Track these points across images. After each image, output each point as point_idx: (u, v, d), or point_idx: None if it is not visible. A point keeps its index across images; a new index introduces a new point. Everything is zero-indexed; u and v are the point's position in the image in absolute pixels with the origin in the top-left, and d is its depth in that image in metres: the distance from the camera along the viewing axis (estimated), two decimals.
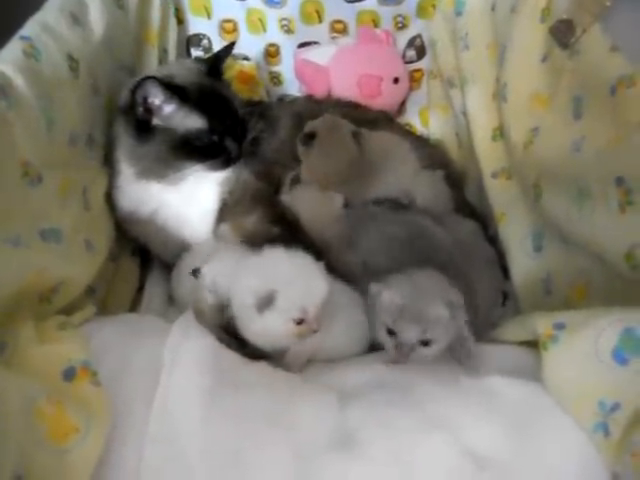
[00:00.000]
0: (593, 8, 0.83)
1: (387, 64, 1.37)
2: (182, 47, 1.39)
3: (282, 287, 0.76)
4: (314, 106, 1.24)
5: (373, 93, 1.35)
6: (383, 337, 0.77)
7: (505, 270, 1.01)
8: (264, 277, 0.77)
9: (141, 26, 1.19)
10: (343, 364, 0.81)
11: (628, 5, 0.82)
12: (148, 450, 0.60)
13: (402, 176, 1.09)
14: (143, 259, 1.15)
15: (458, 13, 1.19)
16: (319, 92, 1.36)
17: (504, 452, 0.61)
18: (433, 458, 0.61)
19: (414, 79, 1.44)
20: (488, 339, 0.82)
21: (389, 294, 0.76)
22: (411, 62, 1.43)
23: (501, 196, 1.06)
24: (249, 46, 1.39)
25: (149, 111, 0.92)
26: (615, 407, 0.58)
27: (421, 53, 1.42)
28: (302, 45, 1.40)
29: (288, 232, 0.99)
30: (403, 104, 1.46)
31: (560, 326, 0.67)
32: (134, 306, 1.05)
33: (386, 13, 1.36)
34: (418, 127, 1.44)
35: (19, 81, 0.75)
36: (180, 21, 1.36)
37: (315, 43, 1.39)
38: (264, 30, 1.38)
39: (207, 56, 1.26)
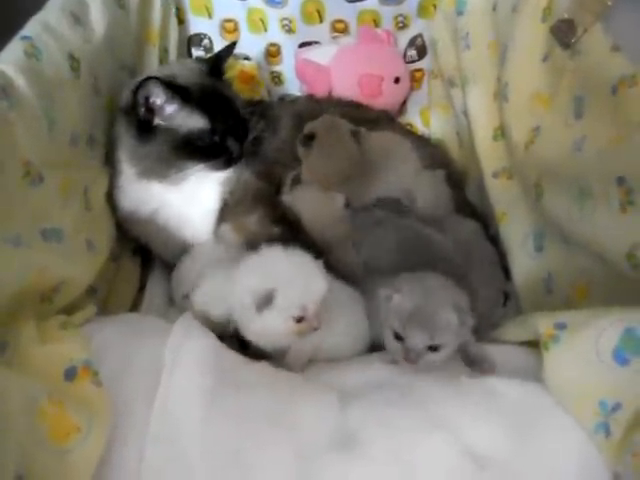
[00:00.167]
0: (594, 7, 0.82)
1: (388, 64, 1.37)
2: (183, 47, 1.39)
3: (281, 286, 0.76)
4: (315, 106, 1.24)
5: (374, 93, 1.35)
6: (390, 342, 0.76)
7: (506, 270, 1.01)
8: (262, 276, 0.77)
9: (142, 26, 1.19)
10: (344, 364, 0.81)
11: (629, 5, 0.82)
12: (149, 450, 0.60)
13: (403, 175, 1.09)
14: (144, 259, 1.15)
15: (459, 13, 1.19)
16: (320, 92, 1.36)
17: (504, 452, 0.61)
18: (433, 458, 0.61)
19: (415, 79, 1.44)
20: (489, 339, 0.82)
21: (399, 298, 0.76)
22: (412, 62, 1.43)
23: (502, 196, 1.06)
24: (250, 46, 1.39)
25: (151, 111, 0.92)
26: (616, 407, 0.58)
27: (422, 53, 1.42)
28: (303, 45, 1.40)
29: (289, 232, 1.00)
30: (404, 104, 1.46)
31: (561, 326, 0.67)
32: (135, 306, 1.05)
33: (387, 13, 1.36)
34: (419, 127, 1.44)
35: (20, 81, 0.75)
36: (181, 21, 1.36)
37: (316, 43, 1.39)
38: (265, 30, 1.38)
39: (208, 56, 1.26)
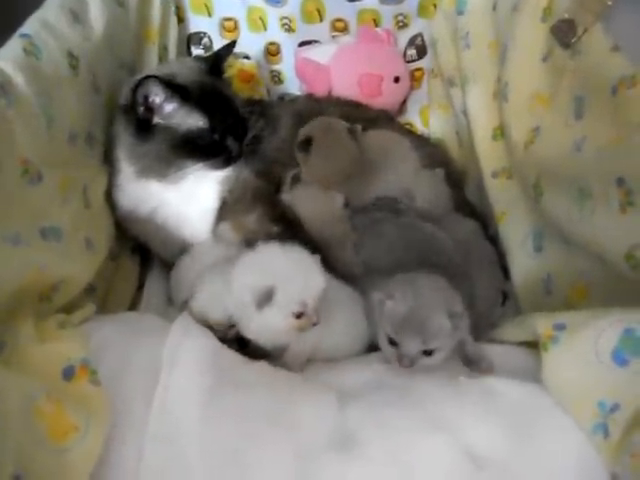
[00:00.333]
0: (595, 7, 0.82)
1: (388, 63, 1.36)
2: (183, 45, 1.39)
3: (280, 282, 0.76)
4: (314, 105, 1.24)
5: (374, 92, 1.35)
6: (385, 347, 0.77)
7: (505, 270, 1.01)
8: (261, 274, 0.77)
9: (141, 24, 1.18)
10: (342, 364, 0.81)
11: (630, 5, 0.82)
12: (148, 449, 0.60)
13: (402, 175, 1.09)
14: (143, 258, 1.15)
15: (459, 12, 1.19)
16: (320, 91, 1.35)
17: (503, 452, 0.61)
18: (432, 458, 0.61)
19: (415, 78, 1.44)
20: (488, 339, 0.82)
21: (392, 304, 0.76)
22: (412, 61, 1.43)
23: (501, 196, 1.06)
24: (250, 44, 1.39)
25: (150, 110, 0.92)
26: (615, 408, 0.58)
27: (422, 52, 1.42)
28: (303, 44, 1.40)
29: (288, 231, 0.99)
30: (404, 103, 1.46)
31: (560, 327, 0.67)
32: (134, 305, 1.05)
33: (387, 12, 1.36)
34: (419, 126, 1.44)
35: (19, 79, 0.74)
36: (180, 19, 1.36)
37: (316, 42, 1.39)
38: (265, 29, 1.38)
39: (208, 54, 1.26)
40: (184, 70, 1.00)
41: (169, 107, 0.92)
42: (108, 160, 1.00)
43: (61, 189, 0.82)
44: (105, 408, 0.61)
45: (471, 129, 1.14)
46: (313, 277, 0.79)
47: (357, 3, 1.34)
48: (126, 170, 0.98)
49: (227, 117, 0.97)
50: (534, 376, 0.68)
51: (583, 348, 0.62)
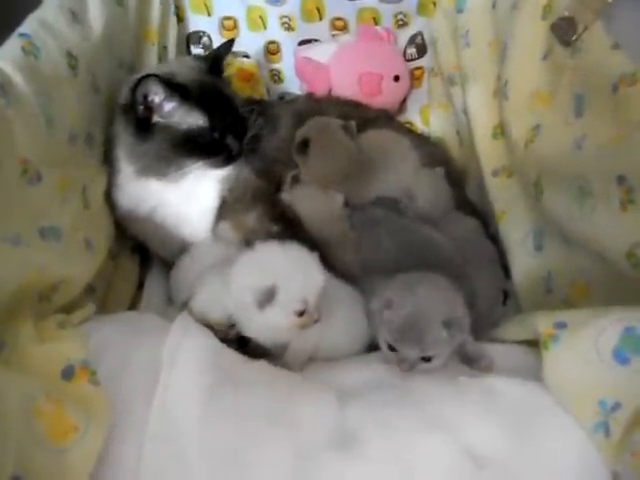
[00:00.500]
0: (595, 5, 0.82)
1: (388, 62, 1.36)
2: (182, 45, 1.39)
3: (281, 281, 0.76)
4: (314, 105, 1.24)
5: (373, 91, 1.34)
6: (385, 351, 0.78)
7: (506, 269, 1.01)
8: (261, 274, 0.77)
9: (141, 23, 1.18)
10: (342, 363, 0.81)
11: (630, 3, 0.82)
12: (148, 449, 0.60)
13: (402, 174, 1.09)
14: (143, 257, 1.15)
15: (459, 10, 1.19)
16: (320, 90, 1.35)
17: (503, 451, 0.61)
18: (432, 457, 0.61)
19: (415, 77, 1.44)
20: (489, 338, 0.82)
21: (389, 314, 0.77)
22: (412, 60, 1.43)
23: (502, 194, 1.05)
24: (249, 43, 1.39)
25: (149, 109, 0.92)
26: (616, 406, 0.58)
27: (422, 51, 1.42)
28: (302, 43, 1.39)
29: (288, 230, 0.99)
30: (404, 102, 1.46)
31: (561, 325, 0.66)
32: (134, 304, 1.05)
33: (387, 10, 1.36)
34: (419, 125, 1.44)
35: (18, 79, 0.74)
36: (180, 19, 1.36)
37: (315, 41, 1.39)
38: (264, 27, 1.38)
39: (207, 53, 1.26)
40: (184, 69, 1.00)
41: (169, 106, 0.92)
42: (107, 160, 1.00)
43: (60, 189, 0.82)
44: (105, 408, 0.61)
45: (471, 128, 1.14)
46: (313, 274, 0.79)
47: (357, 2, 1.34)
48: (126, 169, 0.97)
49: (227, 116, 0.97)
50: (535, 375, 0.67)
51: (584, 347, 0.62)
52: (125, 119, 0.95)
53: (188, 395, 0.64)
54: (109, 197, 1.00)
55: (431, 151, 1.21)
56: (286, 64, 1.43)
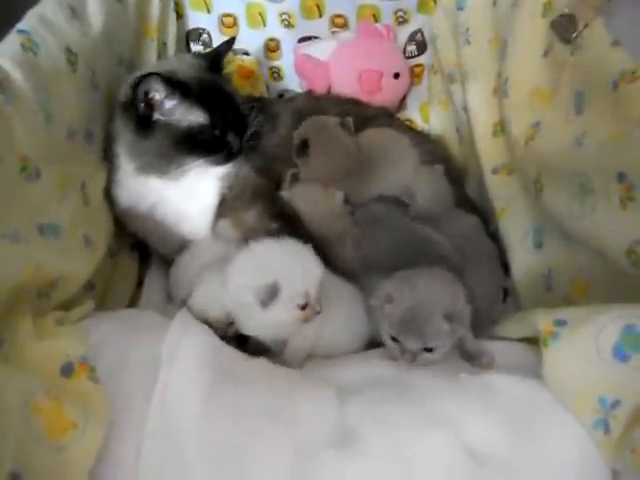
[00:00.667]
0: (595, 2, 0.82)
1: (388, 59, 1.36)
2: (181, 41, 1.38)
3: (282, 277, 0.76)
4: (314, 103, 1.24)
5: (373, 88, 1.34)
6: (389, 343, 0.78)
7: (506, 266, 1.01)
8: (261, 272, 0.77)
9: (140, 20, 1.18)
10: (342, 360, 0.81)
11: (630, 1, 0.82)
12: (147, 446, 0.59)
13: (402, 172, 1.09)
14: (142, 254, 1.15)
15: (459, 8, 1.18)
16: (319, 87, 1.35)
17: (503, 448, 0.61)
18: (432, 454, 0.61)
19: (415, 74, 1.44)
20: (488, 335, 0.82)
21: (390, 308, 0.77)
22: (412, 57, 1.42)
23: (502, 192, 1.05)
24: (249, 41, 1.38)
25: (150, 106, 0.92)
26: (615, 404, 0.58)
27: (422, 48, 1.41)
28: (302, 40, 1.39)
29: (288, 228, 0.99)
30: (404, 99, 1.45)
31: (561, 323, 0.66)
32: (133, 302, 1.05)
33: (387, 7, 1.35)
34: (419, 123, 1.44)
35: (17, 75, 0.74)
36: (179, 15, 1.35)
37: (315, 38, 1.39)
38: (264, 24, 1.37)
39: (207, 51, 1.26)
40: (184, 67, 0.99)
41: (170, 103, 0.92)
42: (107, 156, 0.99)
43: (59, 186, 0.81)
44: (104, 405, 0.60)
45: (471, 125, 1.14)
46: (311, 266, 0.79)
47: None
48: (126, 166, 0.97)
49: (227, 113, 0.97)
50: (534, 372, 0.67)
51: (584, 344, 0.62)
52: (125, 116, 0.94)
53: (188, 392, 0.64)
54: (108, 194, 0.99)
55: (431, 149, 1.21)
56: (286, 61, 1.43)
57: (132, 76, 0.97)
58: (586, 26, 0.83)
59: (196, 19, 1.38)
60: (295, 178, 1.08)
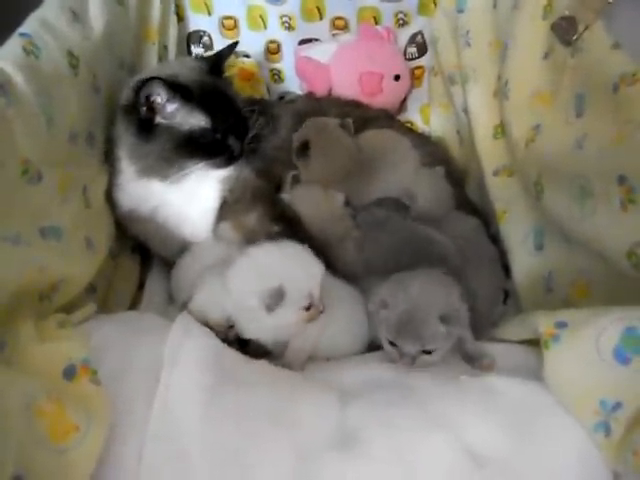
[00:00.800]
0: (595, 5, 0.82)
1: (388, 61, 1.36)
2: (182, 44, 1.39)
3: (286, 280, 0.76)
4: (315, 105, 1.24)
5: (374, 90, 1.34)
6: (387, 347, 0.79)
7: (506, 268, 1.01)
8: (264, 277, 0.77)
9: (141, 23, 1.18)
10: (343, 362, 0.81)
11: (630, 3, 0.82)
12: (148, 449, 0.59)
13: (403, 174, 1.09)
14: (143, 257, 1.15)
15: (460, 10, 1.19)
16: (320, 89, 1.35)
17: (504, 451, 0.61)
18: (434, 457, 0.61)
19: (415, 76, 1.44)
20: (489, 337, 0.82)
21: (386, 313, 0.77)
22: (412, 59, 1.43)
23: (502, 194, 1.05)
24: (250, 43, 1.39)
25: (152, 110, 0.92)
26: (616, 406, 0.58)
27: (422, 50, 1.42)
28: (303, 42, 1.39)
29: (288, 230, 0.99)
30: (404, 101, 1.46)
31: (562, 325, 0.66)
32: (134, 304, 1.05)
33: (387, 10, 1.36)
34: (419, 125, 1.44)
35: (19, 78, 0.74)
36: (180, 18, 1.36)
37: (316, 40, 1.39)
38: (265, 27, 1.38)
39: (208, 54, 1.26)
40: (185, 70, 1.00)
41: (171, 107, 0.92)
42: (108, 160, 1.00)
43: (61, 189, 0.82)
44: (106, 408, 0.60)
45: (472, 127, 1.14)
46: (312, 267, 0.80)
47: (357, 1, 1.34)
48: (127, 170, 0.97)
49: (229, 116, 0.97)
50: (535, 374, 0.67)
51: (584, 346, 0.62)
52: (127, 120, 0.95)
53: (189, 395, 0.64)
54: (110, 197, 1.00)
55: (431, 150, 1.21)
56: (286, 64, 1.43)
57: (134, 79, 0.97)
58: (586, 28, 0.83)
59: (197, 21, 1.38)
60: (296, 180, 1.08)
